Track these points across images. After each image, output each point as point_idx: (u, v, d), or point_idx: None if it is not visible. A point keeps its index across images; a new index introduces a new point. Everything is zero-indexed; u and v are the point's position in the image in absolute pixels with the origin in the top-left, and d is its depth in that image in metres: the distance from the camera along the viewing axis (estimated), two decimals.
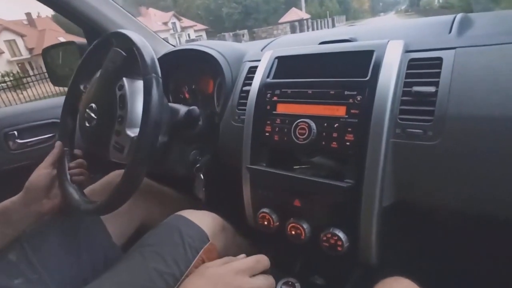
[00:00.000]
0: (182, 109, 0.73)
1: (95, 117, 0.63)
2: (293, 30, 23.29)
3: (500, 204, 0.47)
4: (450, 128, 0.48)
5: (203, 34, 37.53)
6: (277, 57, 0.67)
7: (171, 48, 0.98)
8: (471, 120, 0.47)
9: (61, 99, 0.74)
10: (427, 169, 0.50)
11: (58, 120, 0.96)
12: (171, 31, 34.97)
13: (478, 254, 0.61)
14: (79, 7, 0.88)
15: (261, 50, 0.80)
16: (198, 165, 0.80)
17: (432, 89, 0.50)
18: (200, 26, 39.01)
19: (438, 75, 0.51)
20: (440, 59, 0.52)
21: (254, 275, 0.46)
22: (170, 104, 0.74)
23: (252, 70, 0.74)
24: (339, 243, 0.57)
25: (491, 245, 0.58)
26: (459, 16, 0.61)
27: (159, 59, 0.56)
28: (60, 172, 0.66)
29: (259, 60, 0.71)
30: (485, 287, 0.64)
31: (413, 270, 0.48)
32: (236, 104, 0.74)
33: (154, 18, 34.33)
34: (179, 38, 35.82)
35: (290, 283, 0.67)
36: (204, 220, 0.64)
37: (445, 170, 0.49)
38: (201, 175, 0.80)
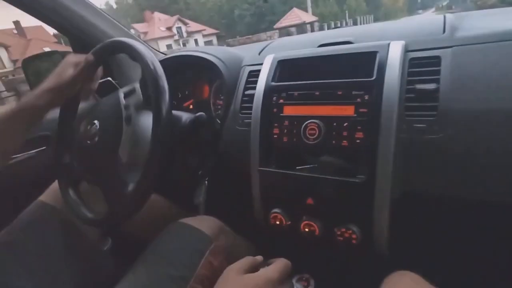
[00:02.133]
0: (185, 116, 0.73)
1: (98, 134, 0.62)
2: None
3: (505, 193, 0.51)
4: (452, 121, 0.52)
5: (214, 38, 33.11)
6: (279, 61, 0.69)
7: (162, 56, 0.97)
8: (472, 114, 0.51)
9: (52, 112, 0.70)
10: (433, 161, 0.54)
11: (49, 133, 0.92)
12: (176, 37, 30.31)
13: (487, 248, 0.65)
14: (66, 15, 0.85)
15: (259, 54, 0.81)
16: (201, 171, 0.80)
17: (433, 86, 0.54)
18: (210, 30, 33.73)
19: (438, 72, 0.54)
20: (438, 57, 0.55)
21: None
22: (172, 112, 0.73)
23: (253, 74, 0.75)
24: (354, 236, 0.59)
25: (501, 237, 0.62)
26: (448, 16, 0.66)
27: None
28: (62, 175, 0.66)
29: (259, 64, 0.73)
30: (494, 282, 0.68)
31: (424, 262, 0.50)
32: (239, 108, 0.75)
33: (158, 23, 30.32)
34: (184, 44, 30.95)
35: (304, 278, 0.69)
36: (204, 224, 0.65)
37: (450, 161, 0.53)
38: (205, 181, 0.80)
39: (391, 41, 0.58)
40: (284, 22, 28.71)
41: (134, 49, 0.57)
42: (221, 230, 0.68)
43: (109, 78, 0.86)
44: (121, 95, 0.61)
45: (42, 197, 0.71)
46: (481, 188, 0.53)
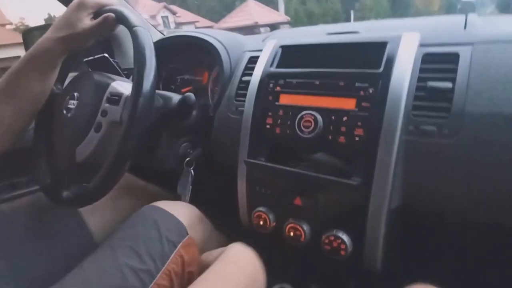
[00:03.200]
0: (175, 97, 0.68)
1: (75, 105, 0.59)
2: None
3: None
4: (468, 126, 0.45)
5: None
6: (282, 46, 0.63)
7: (160, 36, 0.93)
8: (491, 118, 0.44)
9: None
10: (440, 169, 0.47)
11: None
12: (160, 27, 26.81)
13: (490, 266, 0.58)
14: None
15: (263, 41, 0.76)
16: (188, 158, 0.75)
17: (449, 85, 0.47)
18: (205, 22, 24.52)
19: (454, 71, 0.48)
20: (457, 54, 0.49)
21: None
22: (161, 91, 0.68)
23: (253, 60, 0.69)
24: (343, 246, 0.53)
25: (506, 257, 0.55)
26: (471, 15, 0.60)
27: None
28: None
29: (261, 50, 0.67)
30: None
31: (418, 278, 0.44)
32: (234, 95, 0.69)
33: (142, 10, 26.08)
34: None
35: None
36: (181, 211, 0.59)
37: (460, 171, 0.46)
38: (191, 170, 0.75)
39: (404, 32, 0.52)
40: (228, 21, 16.27)
41: (128, 20, 0.54)
42: (199, 221, 0.62)
43: (106, 55, 0.81)
44: (108, 92, 0.58)
45: None
46: (495, 208, 0.46)
